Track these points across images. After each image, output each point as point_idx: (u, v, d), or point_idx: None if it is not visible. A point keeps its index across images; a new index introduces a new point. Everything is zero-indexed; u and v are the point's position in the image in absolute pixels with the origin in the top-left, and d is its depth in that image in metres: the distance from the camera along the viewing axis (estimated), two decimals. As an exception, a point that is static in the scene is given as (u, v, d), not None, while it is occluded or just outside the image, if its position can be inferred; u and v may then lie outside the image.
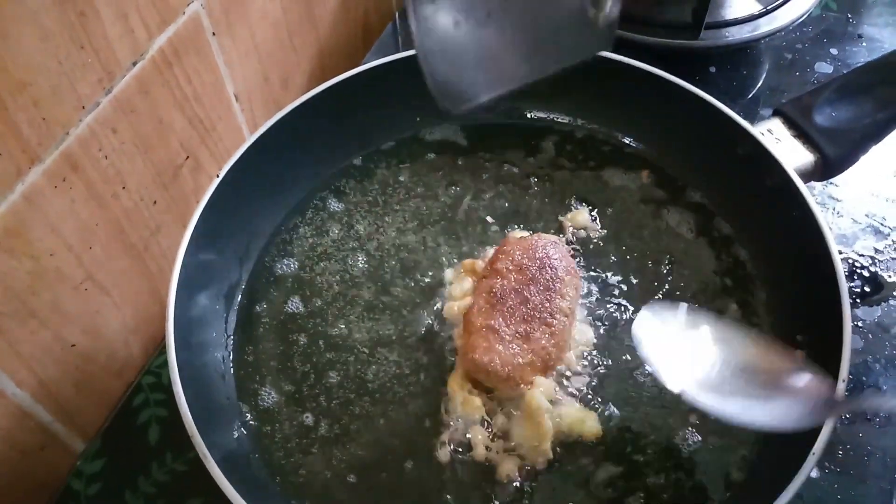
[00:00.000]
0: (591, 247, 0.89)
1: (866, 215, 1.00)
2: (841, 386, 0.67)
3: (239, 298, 0.87)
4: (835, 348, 0.70)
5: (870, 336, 0.89)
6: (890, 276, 0.94)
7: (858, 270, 0.95)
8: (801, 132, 0.85)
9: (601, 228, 0.91)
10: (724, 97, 0.89)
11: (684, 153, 0.93)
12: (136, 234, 0.90)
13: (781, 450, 0.72)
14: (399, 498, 0.73)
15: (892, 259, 0.95)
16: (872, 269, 0.95)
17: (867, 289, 0.93)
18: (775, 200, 0.82)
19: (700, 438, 0.75)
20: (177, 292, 0.74)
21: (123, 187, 0.86)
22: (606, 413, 0.77)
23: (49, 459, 0.85)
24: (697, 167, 0.92)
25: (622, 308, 0.84)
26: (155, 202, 0.91)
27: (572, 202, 0.93)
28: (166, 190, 0.93)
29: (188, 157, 0.95)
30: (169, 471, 0.84)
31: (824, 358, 0.72)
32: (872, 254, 0.96)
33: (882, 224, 0.98)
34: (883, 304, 0.92)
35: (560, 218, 0.92)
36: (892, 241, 0.97)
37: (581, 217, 0.90)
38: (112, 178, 0.83)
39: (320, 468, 0.75)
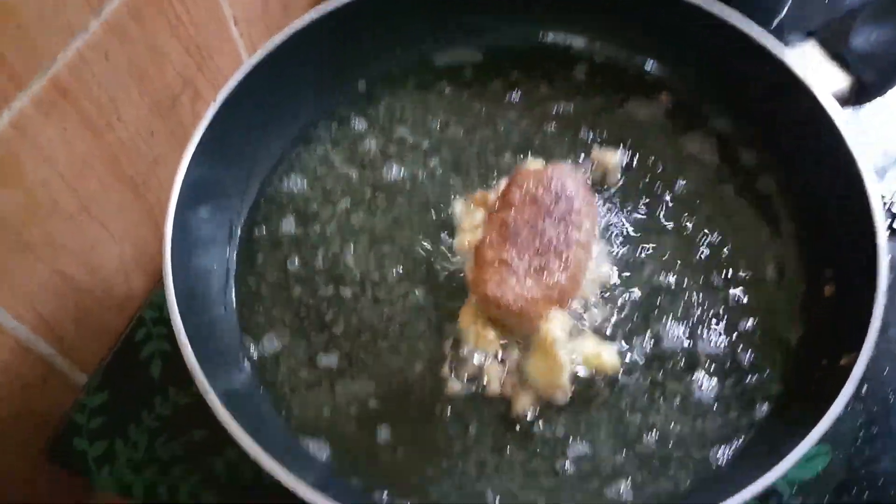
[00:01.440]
0: (610, 178, 0.85)
1: (899, 147, 0.95)
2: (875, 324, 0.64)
3: (240, 228, 0.84)
4: (868, 284, 0.67)
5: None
6: (921, 211, 0.90)
7: (887, 205, 0.91)
8: (837, 55, 0.79)
9: (622, 156, 0.86)
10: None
11: (708, 78, 0.88)
12: (134, 166, 0.87)
13: (808, 387, 0.70)
14: (409, 432, 0.72)
15: (924, 193, 0.91)
16: (902, 203, 0.91)
17: (896, 225, 0.90)
18: (805, 128, 0.78)
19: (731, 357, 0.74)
20: (174, 220, 0.71)
21: (118, 117, 0.82)
22: (624, 347, 0.74)
23: (51, 392, 0.84)
24: (722, 93, 0.87)
25: (641, 242, 0.81)
26: (152, 133, 0.88)
27: (593, 134, 0.89)
28: (164, 120, 0.89)
29: (186, 85, 0.91)
30: (172, 404, 0.82)
31: (855, 293, 0.69)
32: (903, 187, 0.92)
33: (915, 157, 0.94)
34: (912, 239, 0.88)
35: (592, 147, 0.87)
36: (925, 174, 0.93)
37: (610, 158, 0.85)
38: (106, 107, 0.80)
39: (328, 402, 0.73)
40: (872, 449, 0.78)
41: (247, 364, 0.75)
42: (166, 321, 0.88)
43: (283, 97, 0.87)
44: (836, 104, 0.76)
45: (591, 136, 0.88)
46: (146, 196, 0.90)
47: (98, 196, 0.82)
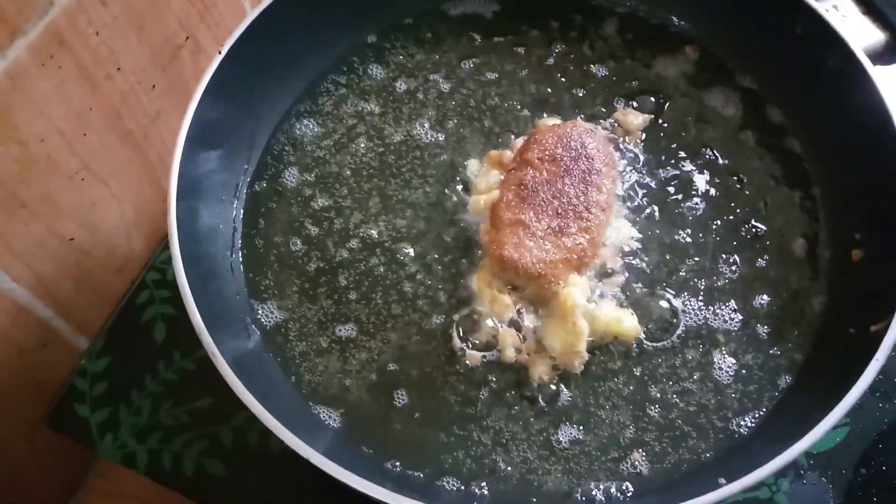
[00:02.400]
0: (632, 138, 0.82)
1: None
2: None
3: (246, 188, 0.80)
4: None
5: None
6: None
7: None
8: (872, 8, 0.76)
9: (645, 118, 0.83)
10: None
11: (734, 33, 0.84)
12: (134, 120, 0.83)
13: (834, 356, 0.67)
14: (421, 401, 0.69)
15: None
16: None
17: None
18: (837, 85, 0.74)
19: (753, 325, 0.71)
20: (179, 178, 0.68)
21: (118, 68, 0.79)
22: (643, 314, 0.72)
23: (51, 357, 0.81)
24: (749, 49, 0.84)
25: (662, 204, 0.78)
26: (153, 86, 0.85)
27: (616, 91, 0.85)
28: (165, 73, 0.86)
29: (187, 37, 0.87)
30: (177, 370, 0.80)
31: (886, 257, 0.67)
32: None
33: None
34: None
35: (616, 104, 0.84)
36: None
37: (633, 119, 0.82)
38: (104, 58, 0.77)
39: (339, 369, 0.71)
40: (892, 421, 0.76)
41: (255, 328, 0.72)
42: (169, 284, 0.86)
43: (289, 50, 0.83)
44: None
45: (614, 94, 0.85)
46: (147, 153, 0.87)
47: (98, 152, 0.79)
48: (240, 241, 0.77)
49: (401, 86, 0.87)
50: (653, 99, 0.84)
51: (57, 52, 0.71)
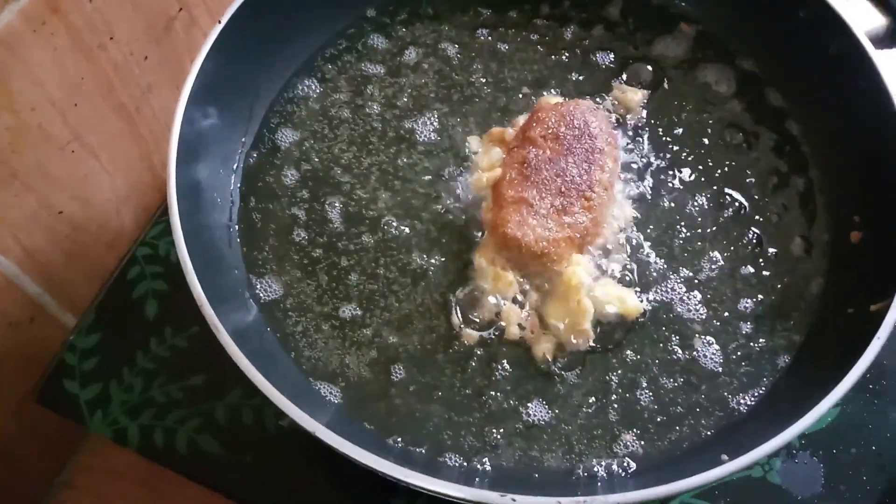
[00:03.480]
0: (632, 117, 0.82)
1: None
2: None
3: (243, 162, 0.79)
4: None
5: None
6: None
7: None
8: (874, -7, 0.76)
9: (644, 95, 0.82)
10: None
11: (737, 15, 0.84)
12: (127, 92, 0.82)
13: (833, 336, 0.68)
14: (423, 378, 0.69)
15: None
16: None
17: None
18: (839, 69, 0.75)
19: (752, 306, 0.72)
20: (178, 150, 0.67)
21: (111, 38, 0.77)
22: (646, 292, 0.72)
23: (40, 333, 0.80)
24: (751, 32, 0.84)
25: (665, 183, 0.78)
26: (146, 58, 0.83)
27: (615, 70, 0.85)
28: (158, 45, 0.84)
29: (181, 8, 0.86)
30: (169, 347, 0.79)
31: (885, 239, 0.67)
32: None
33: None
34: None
35: (613, 83, 0.83)
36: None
37: (632, 96, 0.81)
38: (98, 27, 0.75)
39: (339, 345, 0.70)
40: (882, 402, 0.77)
41: (253, 303, 0.71)
42: (160, 259, 0.84)
43: (288, 23, 0.81)
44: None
45: (615, 74, 0.85)
46: (139, 127, 0.85)
47: (90, 123, 0.77)
48: (237, 216, 0.76)
49: (401, 60, 0.86)
50: (654, 79, 0.84)
51: (50, 18, 0.69)
